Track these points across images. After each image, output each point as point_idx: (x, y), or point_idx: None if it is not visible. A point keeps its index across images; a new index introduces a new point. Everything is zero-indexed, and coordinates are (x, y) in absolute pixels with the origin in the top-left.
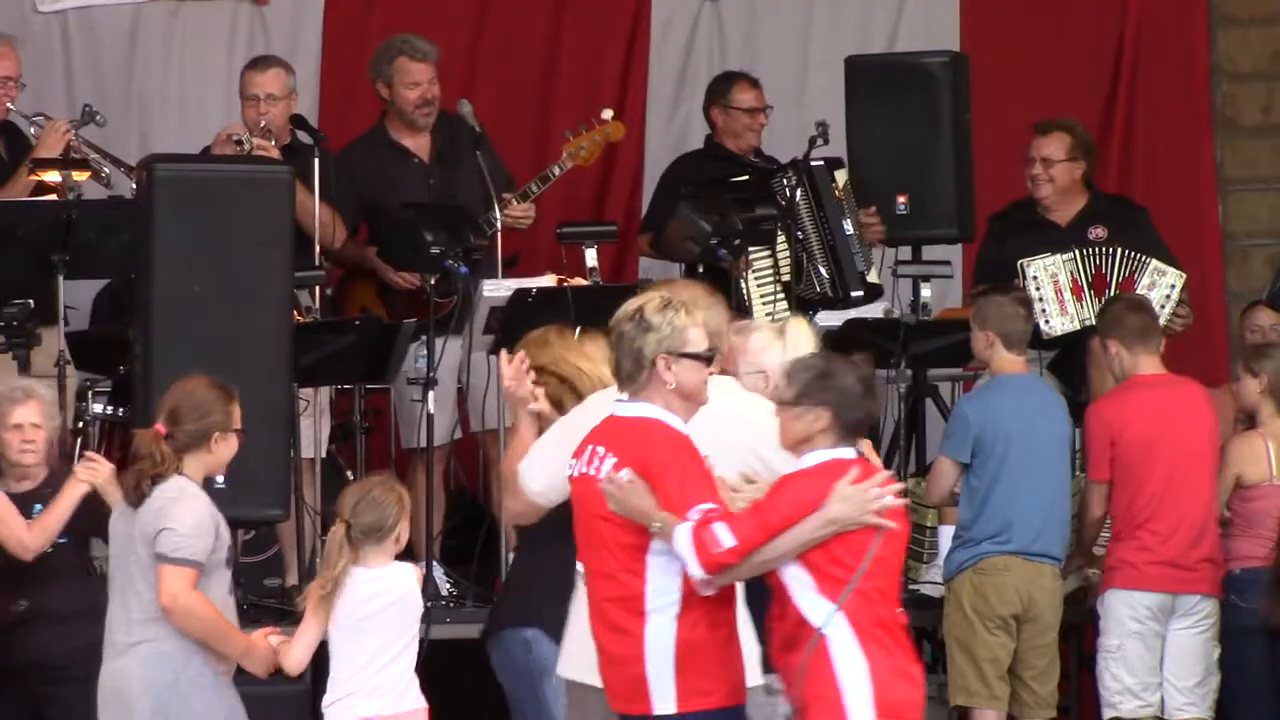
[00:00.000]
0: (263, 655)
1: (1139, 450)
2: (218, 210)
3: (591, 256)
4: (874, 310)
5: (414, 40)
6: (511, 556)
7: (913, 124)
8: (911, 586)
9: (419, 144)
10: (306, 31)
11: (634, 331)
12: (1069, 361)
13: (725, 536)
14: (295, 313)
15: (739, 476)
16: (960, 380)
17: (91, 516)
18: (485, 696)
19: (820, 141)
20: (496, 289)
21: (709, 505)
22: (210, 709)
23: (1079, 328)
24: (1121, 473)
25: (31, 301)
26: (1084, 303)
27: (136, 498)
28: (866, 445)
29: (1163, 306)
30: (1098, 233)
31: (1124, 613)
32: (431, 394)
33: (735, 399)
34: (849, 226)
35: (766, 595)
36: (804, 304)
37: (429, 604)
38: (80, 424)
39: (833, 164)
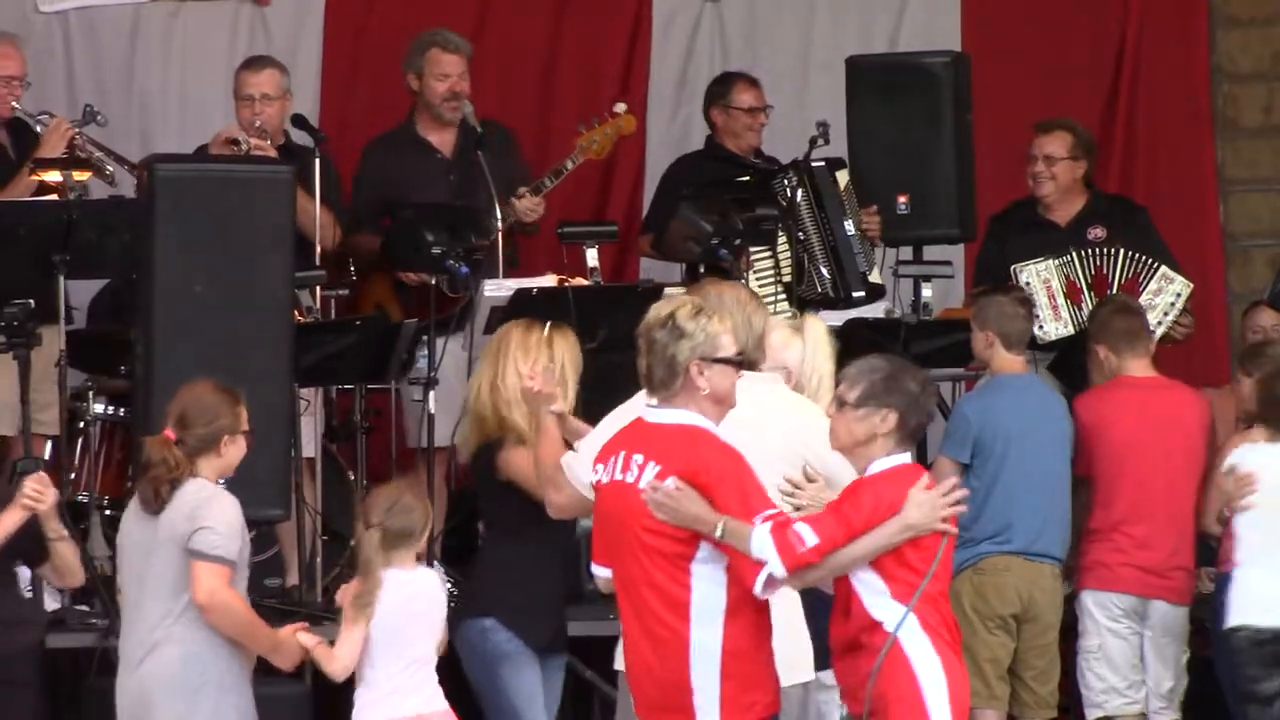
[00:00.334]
0: (291, 651)
1: (1117, 450)
2: (218, 210)
3: (592, 256)
4: (875, 310)
5: (448, 34)
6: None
7: (914, 124)
8: None
9: (443, 140)
10: (307, 32)
11: (667, 338)
12: (1069, 361)
13: (809, 536)
14: (295, 313)
15: (796, 475)
16: (961, 380)
17: (27, 543)
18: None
19: (821, 142)
20: (497, 289)
21: (774, 510)
22: (233, 711)
23: (1073, 332)
24: (1099, 471)
25: (32, 301)
26: (1082, 305)
27: (157, 505)
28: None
29: (1166, 314)
30: (1097, 233)
31: (1099, 613)
32: (432, 394)
33: (776, 397)
34: (850, 227)
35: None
36: (805, 304)
37: None
38: (81, 424)
39: (834, 164)
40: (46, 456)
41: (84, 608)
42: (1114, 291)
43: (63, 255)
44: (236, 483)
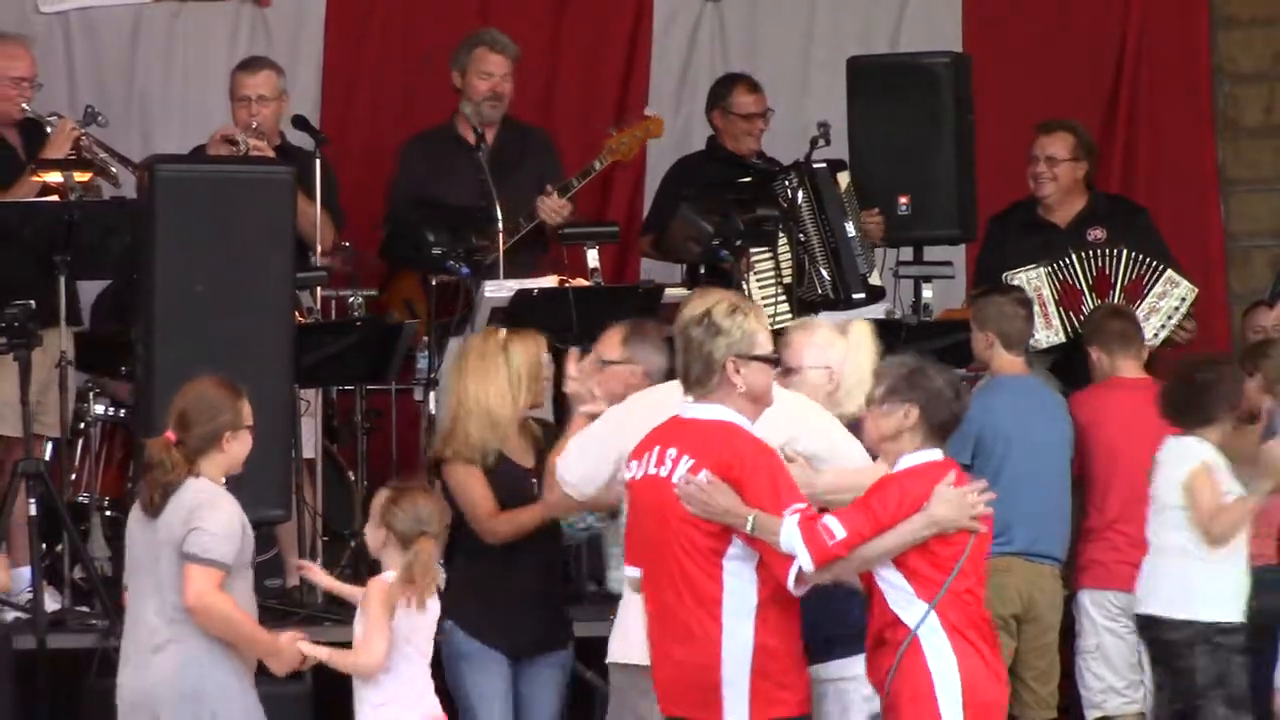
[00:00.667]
0: (289, 657)
1: (1110, 450)
2: (219, 211)
3: (593, 257)
4: (875, 311)
5: (496, 34)
6: None
7: (915, 124)
8: None
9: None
10: (308, 32)
11: (703, 335)
12: (1070, 363)
13: (837, 529)
14: (296, 313)
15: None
16: (962, 381)
17: None
18: None
19: (822, 142)
20: (498, 289)
21: (804, 504)
22: (238, 714)
23: (1064, 340)
24: (1092, 471)
25: (33, 302)
26: (1081, 309)
27: (154, 508)
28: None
29: (1170, 318)
30: (1097, 234)
31: (1096, 612)
32: (433, 394)
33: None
34: (851, 228)
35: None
36: (805, 305)
37: None
38: (81, 425)
39: (835, 166)
40: (47, 457)
41: (84, 608)
42: (1117, 291)
43: (64, 256)
44: (237, 483)
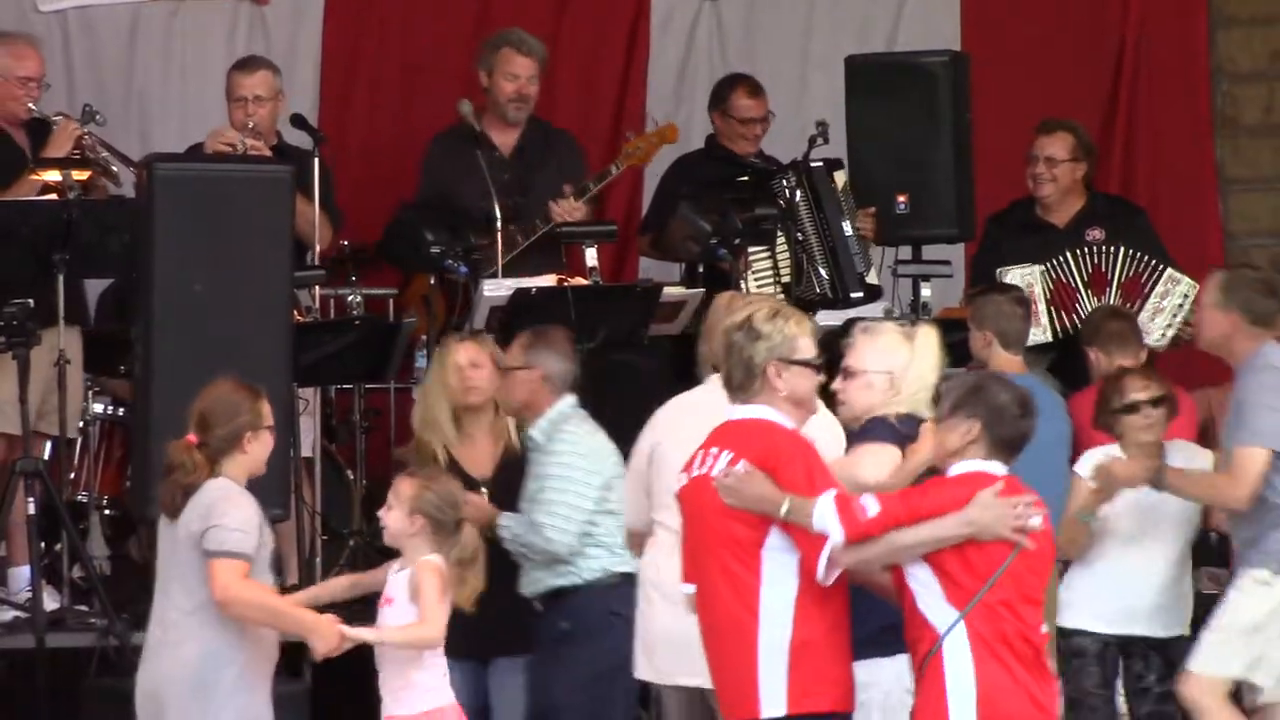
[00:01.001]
0: (328, 635)
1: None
2: (218, 210)
3: (591, 256)
4: (874, 310)
5: (523, 35)
6: None
7: (913, 123)
8: None
9: (504, 139)
10: (306, 31)
11: (744, 340)
12: (1068, 362)
13: (871, 506)
14: (295, 313)
15: None
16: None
17: None
18: None
19: (820, 141)
20: (496, 288)
21: (838, 490)
22: (249, 710)
23: (1050, 340)
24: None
25: (31, 301)
26: (1075, 309)
27: (172, 509)
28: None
29: (1175, 315)
30: (1095, 234)
31: None
32: None
33: None
34: (848, 227)
35: None
36: (803, 305)
37: None
38: (81, 424)
39: (832, 165)
40: (46, 456)
41: (83, 608)
42: (1113, 289)
43: (62, 255)
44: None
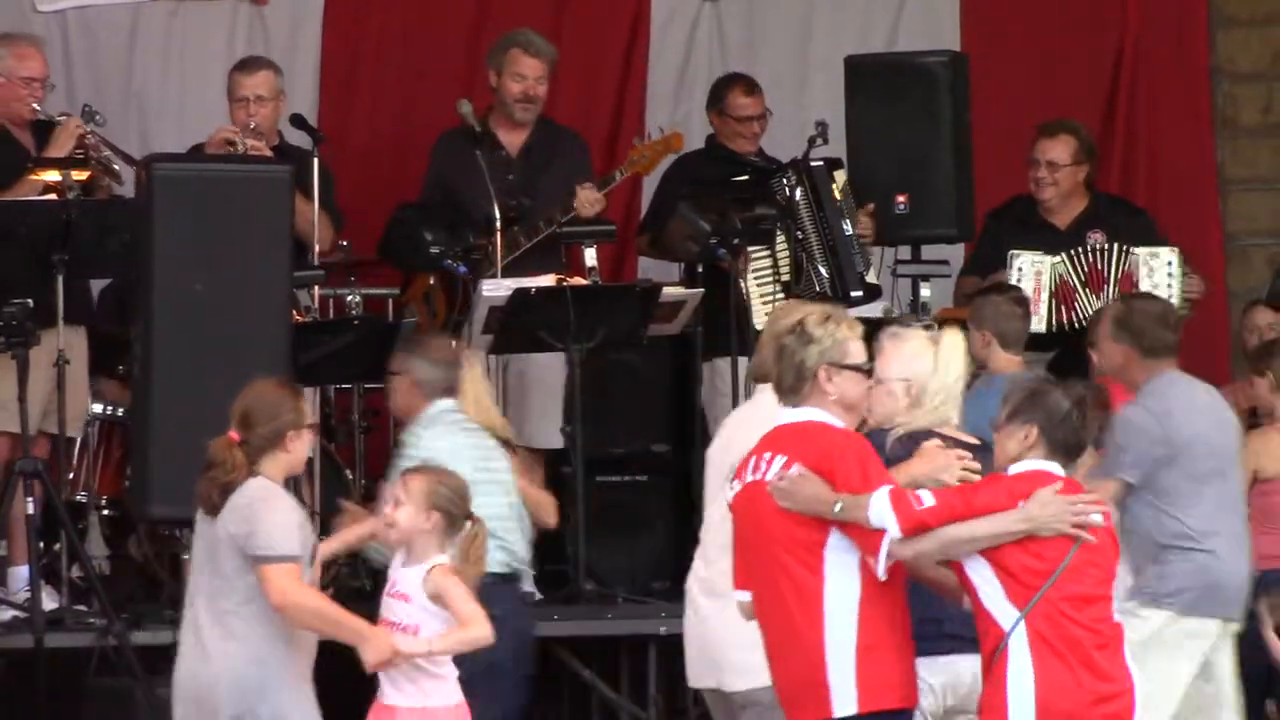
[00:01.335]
0: (380, 645)
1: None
2: (218, 210)
3: (591, 256)
4: (873, 310)
5: (533, 36)
6: None
7: (912, 124)
8: None
9: (512, 139)
10: (306, 31)
11: (795, 344)
12: (1069, 361)
13: (927, 498)
14: (295, 313)
15: None
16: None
17: None
18: None
19: (820, 141)
20: (496, 289)
21: (893, 485)
22: (293, 708)
23: (1043, 331)
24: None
25: (31, 301)
26: (1074, 307)
27: (211, 506)
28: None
29: (1170, 286)
30: (1097, 237)
31: None
32: None
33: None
34: (848, 227)
35: None
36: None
37: None
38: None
39: (832, 164)
40: (46, 456)
41: (82, 608)
42: (1111, 287)
43: (62, 255)
44: None
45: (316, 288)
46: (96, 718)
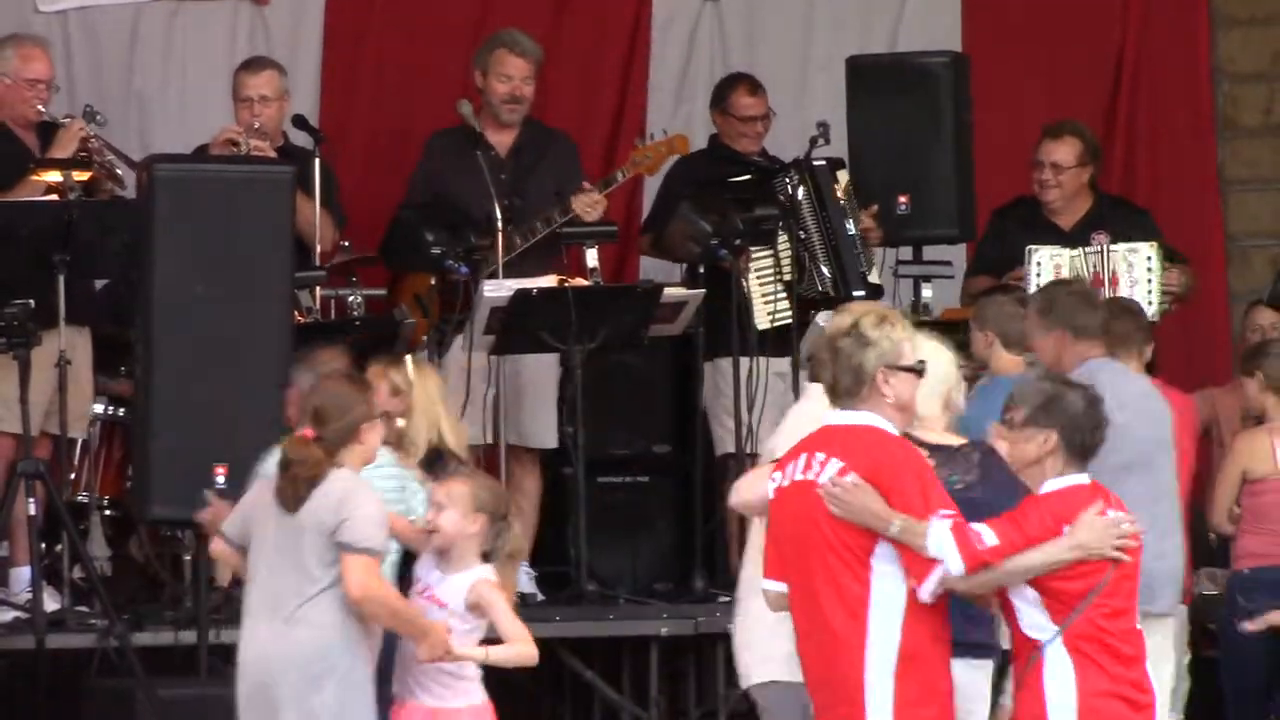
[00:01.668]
0: (438, 642)
1: None
2: (218, 210)
3: (592, 257)
4: None
5: (518, 36)
6: None
7: (914, 124)
8: None
9: (501, 139)
10: (307, 31)
11: (853, 347)
12: None
13: (989, 536)
14: (296, 313)
15: None
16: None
17: None
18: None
19: (821, 141)
20: (497, 289)
21: (953, 511)
22: (358, 694)
23: None
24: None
25: (31, 302)
26: None
27: (296, 503)
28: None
29: (1150, 282)
30: (1100, 238)
31: None
32: None
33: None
34: (851, 227)
35: None
36: (805, 303)
37: None
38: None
39: (835, 164)
40: (48, 457)
41: (83, 608)
42: (1106, 289)
43: (63, 255)
44: (237, 482)
45: (318, 288)
46: (97, 718)
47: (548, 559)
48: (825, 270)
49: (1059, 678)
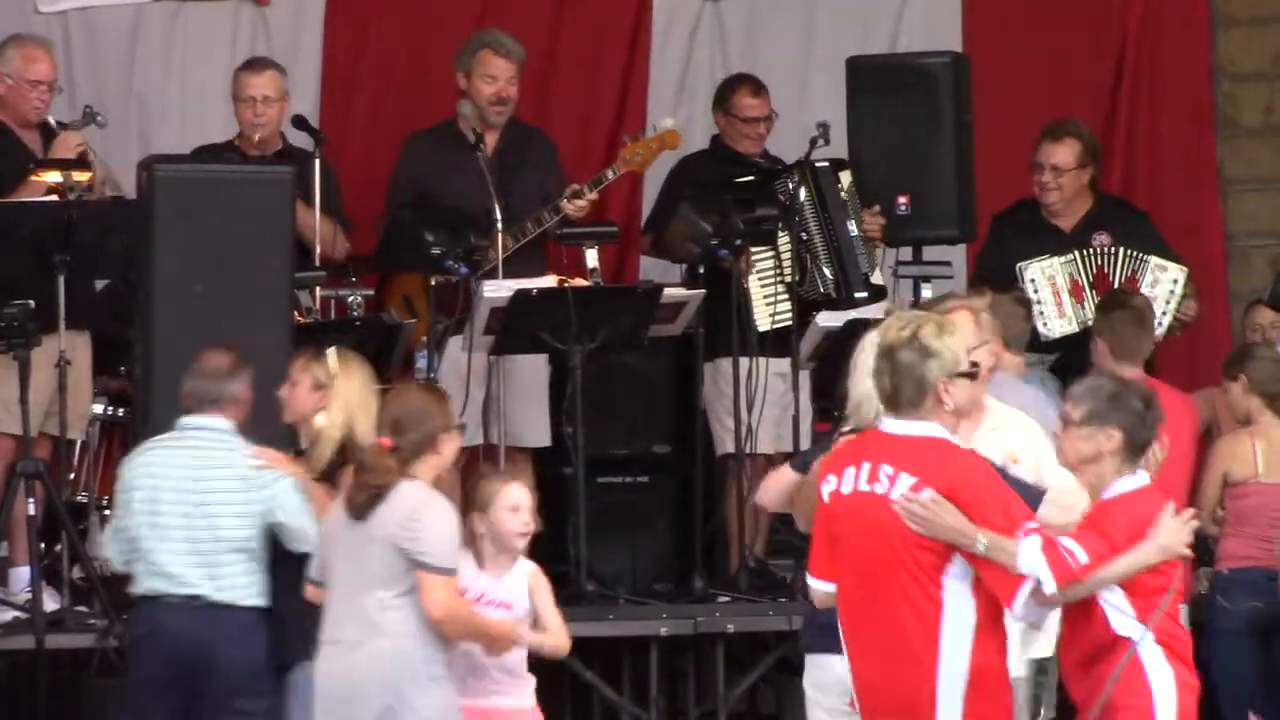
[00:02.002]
0: (506, 643)
1: None
2: (218, 210)
3: (592, 257)
4: (876, 311)
5: (501, 36)
6: None
7: (914, 125)
8: None
9: (486, 141)
10: (307, 32)
11: (915, 358)
12: (1071, 362)
13: (1080, 553)
14: (295, 313)
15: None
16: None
17: None
18: None
19: (821, 142)
20: (497, 289)
21: (1035, 524)
22: (439, 700)
23: (1077, 329)
24: None
25: (31, 302)
26: (1084, 304)
27: (363, 510)
28: None
29: (1168, 302)
30: (1101, 239)
31: None
32: None
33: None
34: (853, 227)
35: None
36: (806, 305)
37: None
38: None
39: (837, 165)
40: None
41: (83, 608)
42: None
43: (63, 256)
44: None
45: (317, 288)
46: (97, 718)
47: (547, 559)
48: (827, 271)
49: (1159, 672)
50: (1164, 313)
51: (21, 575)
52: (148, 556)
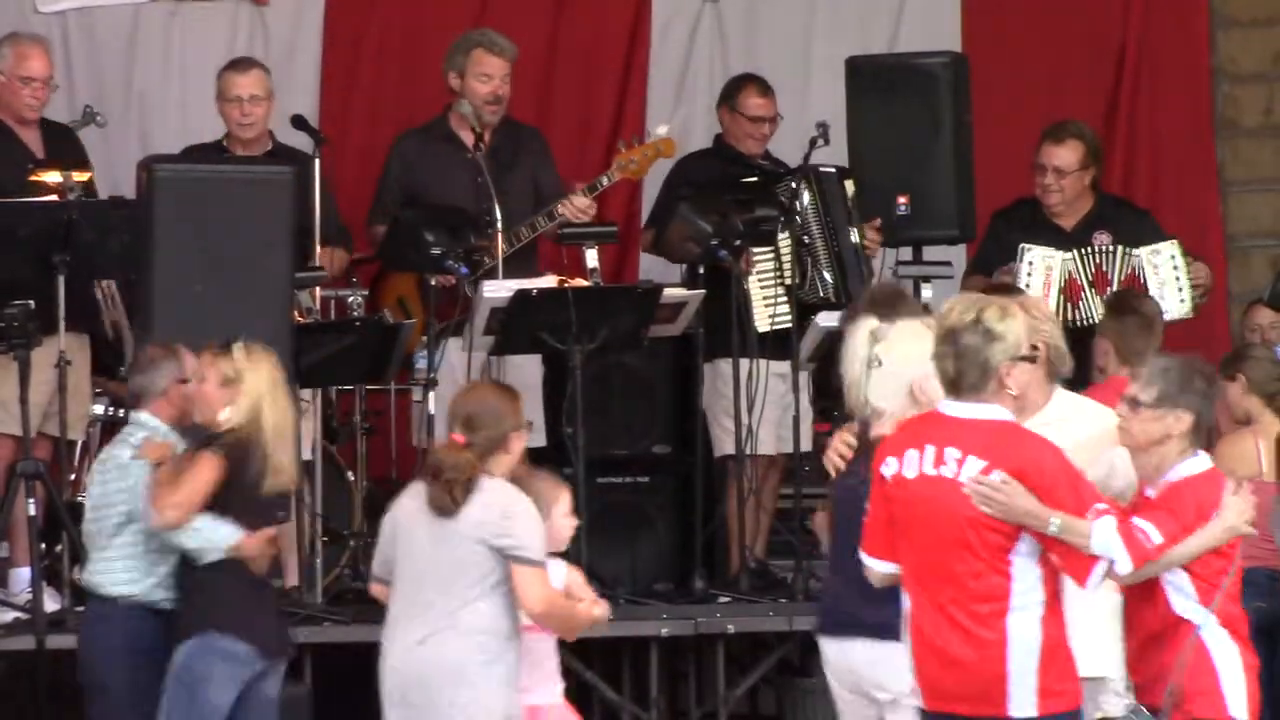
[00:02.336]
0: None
1: None
2: (218, 210)
3: (592, 257)
4: None
5: (493, 35)
6: None
7: (913, 125)
8: None
9: (475, 138)
10: (306, 32)
11: (979, 342)
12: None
13: (1153, 533)
14: (295, 313)
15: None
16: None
17: None
18: None
19: (820, 142)
20: (497, 290)
21: (1105, 504)
22: (507, 696)
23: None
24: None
25: (31, 302)
26: (1079, 304)
27: (452, 507)
28: None
29: (1178, 280)
30: (1103, 238)
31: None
32: (431, 394)
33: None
34: (854, 236)
35: None
36: (805, 308)
37: None
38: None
39: (842, 173)
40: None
41: (83, 608)
42: (1113, 288)
43: (62, 256)
44: None
45: (318, 289)
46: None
47: None
48: (827, 276)
49: (1225, 655)
50: (1181, 289)
51: (22, 576)
52: None
